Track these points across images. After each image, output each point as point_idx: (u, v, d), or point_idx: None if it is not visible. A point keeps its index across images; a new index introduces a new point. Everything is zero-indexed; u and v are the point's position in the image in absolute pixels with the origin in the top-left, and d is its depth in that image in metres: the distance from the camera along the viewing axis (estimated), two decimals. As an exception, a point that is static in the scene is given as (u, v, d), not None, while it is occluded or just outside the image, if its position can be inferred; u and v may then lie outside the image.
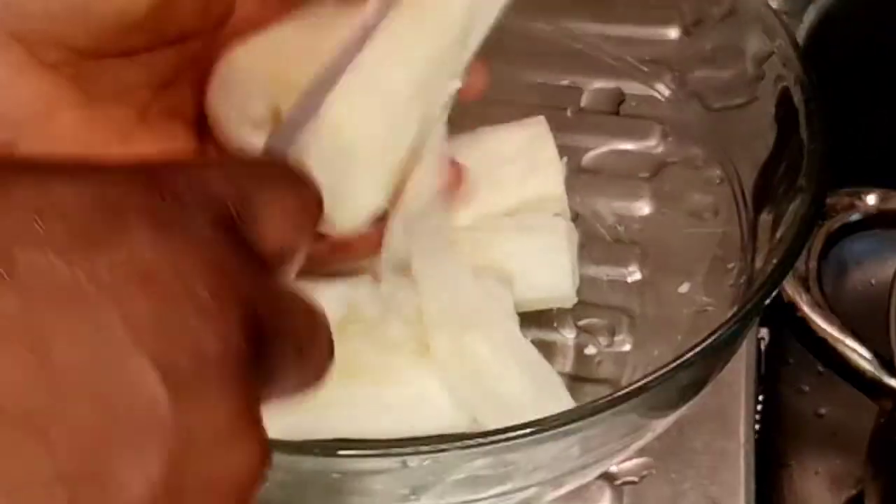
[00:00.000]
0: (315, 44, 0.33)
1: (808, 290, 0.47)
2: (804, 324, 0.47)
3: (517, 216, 0.48)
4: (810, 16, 0.59)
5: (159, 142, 0.33)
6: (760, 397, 0.55)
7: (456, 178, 0.38)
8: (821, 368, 0.58)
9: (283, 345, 0.23)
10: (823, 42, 0.58)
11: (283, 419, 0.40)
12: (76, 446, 0.19)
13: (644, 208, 0.53)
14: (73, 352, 0.19)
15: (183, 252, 0.21)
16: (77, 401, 0.19)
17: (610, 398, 0.34)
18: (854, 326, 0.47)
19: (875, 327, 0.46)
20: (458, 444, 0.33)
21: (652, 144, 0.53)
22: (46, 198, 0.20)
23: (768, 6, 0.46)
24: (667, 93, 0.52)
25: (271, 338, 0.22)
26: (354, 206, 0.33)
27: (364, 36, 0.32)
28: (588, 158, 0.54)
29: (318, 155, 0.31)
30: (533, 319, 0.48)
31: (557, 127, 0.50)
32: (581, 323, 0.50)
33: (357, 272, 0.44)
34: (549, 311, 0.49)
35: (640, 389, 0.34)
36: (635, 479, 0.47)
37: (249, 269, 0.23)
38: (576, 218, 0.51)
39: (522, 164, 0.48)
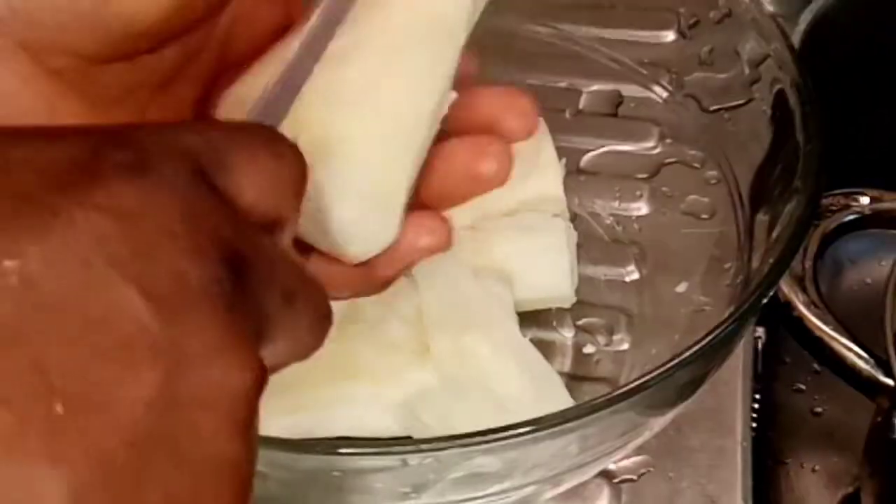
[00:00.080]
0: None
1: (804, 289, 0.47)
2: (800, 323, 0.47)
3: (516, 216, 0.48)
4: (806, 19, 0.59)
5: None
6: (757, 396, 0.56)
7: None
8: (817, 367, 0.58)
9: (271, 289, 0.23)
10: (819, 45, 0.58)
11: (283, 419, 0.41)
12: (68, 362, 0.19)
13: (642, 209, 0.53)
14: (56, 279, 0.19)
15: (157, 195, 0.21)
16: (64, 322, 0.19)
17: (608, 397, 0.34)
18: (850, 325, 0.47)
19: (870, 326, 0.46)
20: (458, 442, 0.33)
21: (649, 146, 0.53)
22: (17, 153, 0.21)
23: (764, 9, 0.46)
24: (664, 95, 0.52)
25: (256, 280, 0.22)
26: (369, 238, 0.33)
27: (326, 23, 0.32)
28: (586, 159, 0.54)
29: (330, 187, 0.31)
30: (532, 319, 0.48)
31: (556, 128, 0.50)
32: (580, 322, 0.50)
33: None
34: (548, 310, 0.49)
35: (638, 388, 0.34)
36: (633, 477, 0.47)
37: (226, 213, 0.23)
38: (574, 218, 0.51)
39: (521, 165, 0.48)
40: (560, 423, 0.33)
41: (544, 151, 0.49)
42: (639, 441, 0.40)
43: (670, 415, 0.40)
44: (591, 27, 0.53)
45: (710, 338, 0.36)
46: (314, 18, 0.32)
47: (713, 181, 0.49)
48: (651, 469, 0.47)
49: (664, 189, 0.52)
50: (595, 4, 0.53)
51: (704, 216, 0.50)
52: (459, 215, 0.47)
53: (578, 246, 0.50)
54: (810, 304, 0.47)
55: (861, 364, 0.46)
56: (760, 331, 0.58)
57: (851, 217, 0.50)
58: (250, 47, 0.34)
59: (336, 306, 0.42)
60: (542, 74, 0.54)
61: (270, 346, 0.23)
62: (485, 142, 0.35)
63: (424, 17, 0.33)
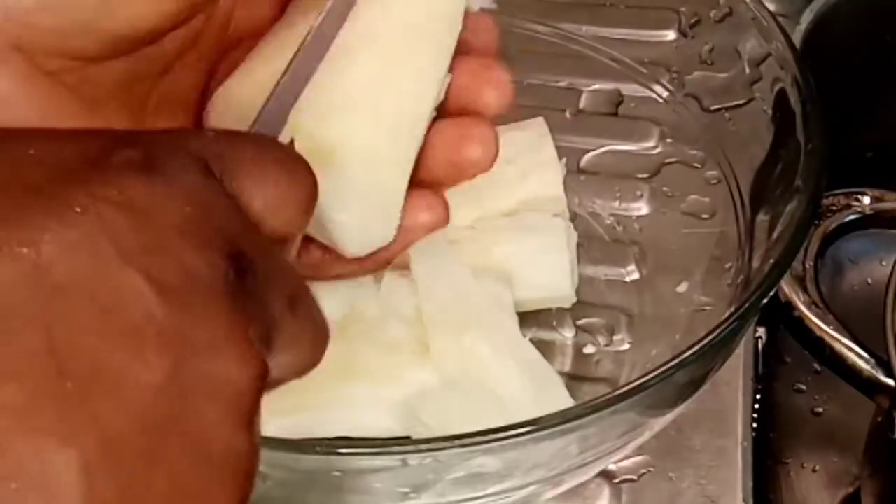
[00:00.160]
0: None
1: (804, 289, 0.47)
2: (801, 323, 0.47)
3: (516, 216, 0.48)
4: (807, 18, 0.59)
5: None
6: (758, 396, 0.56)
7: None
8: (818, 367, 0.58)
9: (276, 293, 0.24)
10: (820, 44, 0.58)
11: (283, 419, 0.41)
12: (79, 345, 0.19)
13: (642, 208, 0.53)
14: (67, 267, 0.20)
15: (165, 190, 0.22)
16: (76, 307, 0.20)
17: (608, 397, 0.34)
18: (850, 325, 0.47)
19: (871, 326, 0.46)
20: (458, 442, 0.33)
21: (650, 145, 0.53)
22: (29, 151, 0.22)
23: (765, 8, 0.46)
24: (665, 94, 0.52)
25: (262, 282, 0.23)
26: (369, 237, 0.33)
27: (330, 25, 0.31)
28: (587, 159, 0.54)
29: (330, 189, 0.31)
30: (532, 319, 0.48)
31: (556, 128, 0.50)
32: (580, 322, 0.50)
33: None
34: (548, 310, 0.49)
35: (639, 388, 0.34)
36: (634, 477, 0.47)
37: (234, 213, 0.23)
38: (574, 218, 0.51)
39: (522, 164, 0.49)
40: (560, 424, 0.33)
41: (544, 151, 0.49)
42: (639, 441, 0.40)
43: (671, 415, 0.40)
44: (592, 26, 0.53)
45: (710, 338, 0.36)
46: (318, 19, 0.31)
47: (714, 181, 0.49)
48: (651, 469, 0.47)
49: (665, 189, 0.52)
50: (595, 3, 0.53)
51: (705, 216, 0.50)
52: (459, 215, 0.47)
53: (578, 246, 0.50)
54: (811, 304, 0.47)
55: (861, 364, 0.46)
56: (761, 331, 0.58)
57: (852, 217, 0.49)
58: (251, 27, 0.33)
59: (336, 306, 0.43)
60: (542, 74, 0.54)
61: (275, 357, 0.23)
62: (468, 124, 0.34)
63: (424, 12, 0.33)
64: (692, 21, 0.50)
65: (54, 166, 0.21)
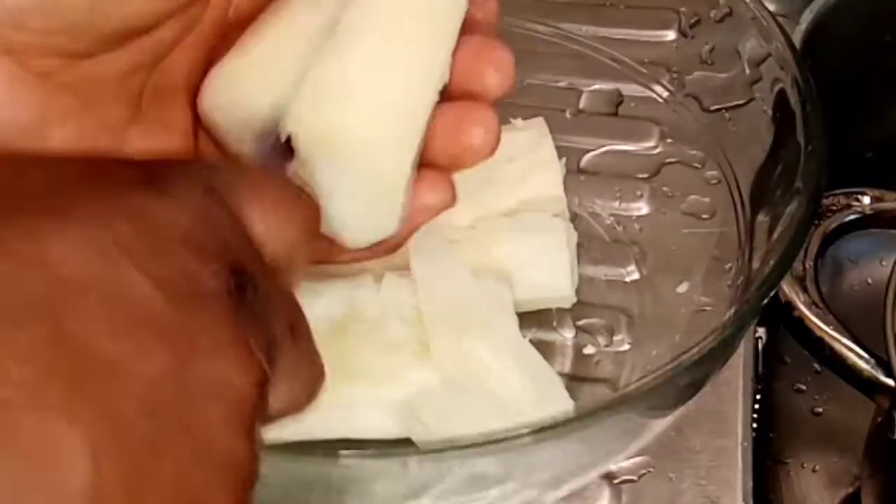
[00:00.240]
0: (311, 42, 0.31)
1: (805, 289, 0.47)
2: (801, 323, 0.47)
3: (516, 216, 0.48)
4: (807, 18, 0.59)
5: (154, 137, 0.31)
6: (758, 396, 0.56)
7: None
8: (818, 367, 0.58)
9: (277, 315, 0.24)
10: (820, 44, 0.58)
11: (283, 421, 0.41)
12: (87, 335, 0.20)
13: (642, 209, 0.53)
14: (76, 265, 0.21)
15: (169, 205, 0.22)
16: (84, 300, 0.20)
17: (609, 399, 0.34)
18: (850, 326, 0.47)
19: (871, 326, 0.46)
20: (458, 444, 0.33)
21: (650, 145, 0.53)
22: (32, 168, 0.23)
23: (765, 8, 0.46)
24: (665, 94, 0.52)
25: (263, 301, 0.23)
26: (373, 229, 0.32)
27: None
28: (587, 159, 0.54)
29: (332, 181, 0.31)
30: (532, 319, 0.48)
31: (556, 128, 0.50)
32: (580, 323, 0.50)
33: (357, 272, 0.44)
34: (549, 310, 0.49)
35: (639, 390, 0.34)
36: (634, 477, 0.47)
37: (236, 230, 0.24)
38: (574, 218, 0.51)
39: (522, 164, 0.49)
40: (561, 426, 0.33)
41: (544, 151, 0.49)
42: (640, 442, 0.40)
43: (671, 416, 0.40)
44: (592, 26, 0.53)
45: (711, 339, 0.36)
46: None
47: (714, 181, 0.49)
48: (651, 469, 0.47)
49: (665, 189, 0.52)
50: (595, 3, 0.53)
51: (705, 216, 0.50)
52: (459, 215, 0.47)
53: (578, 246, 0.50)
54: (811, 305, 0.47)
55: (861, 364, 0.46)
56: (761, 331, 0.58)
57: (852, 217, 0.49)
58: (252, 8, 0.33)
59: (336, 306, 0.43)
60: (542, 74, 0.54)
61: (275, 384, 0.24)
62: (469, 108, 0.33)
63: None
64: (692, 21, 0.50)
65: (62, 183, 0.22)
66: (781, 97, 0.44)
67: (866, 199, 0.50)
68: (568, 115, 0.55)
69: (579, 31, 0.53)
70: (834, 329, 0.47)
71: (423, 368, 0.41)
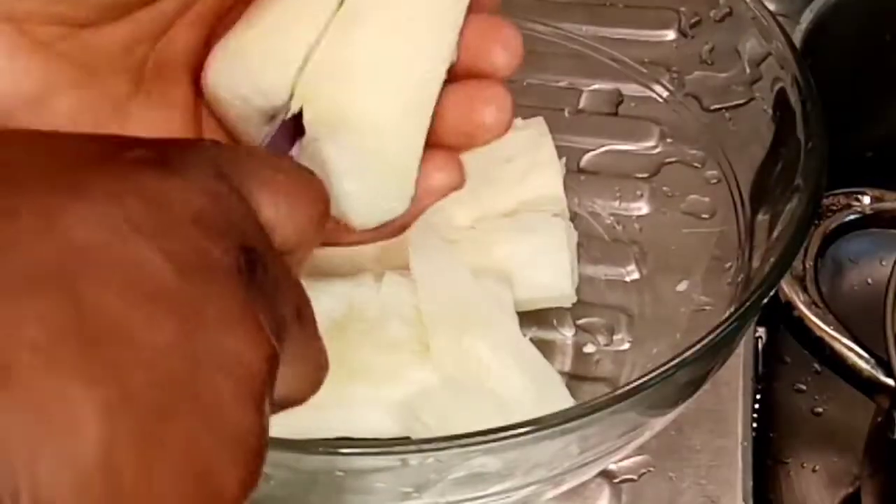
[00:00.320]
0: (317, 17, 0.31)
1: (804, 289, 0.47)
2: (801, 323, 0.47)
3: (516, 216, 0.48)
4: (807, 18, 0.59)
5: (156, 113, 0.31)
6: (758, 396, 0.56)
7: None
8: (818, 367, 0.58)
9: (284, 297, 0.24)
10: (820, 44, 0.58)
11: (283, 419, 0.41)
12: (99, 302, 0.20)
13: (642, 208, 0.53)
14: (89, 237, 0.21)
15: (179, 184, 0.22)
16: (97, 269, 0.20)
17: (609, 397, 0.34)
18: (850, 325, 0.47)
19: (871, 326, 0.46)
20: (459, 442, 0.33)
21: (650, 145, 0.53)
22: (42, 142, 0.23)
23: (765, 8, 0.46)
24: (665, 94, 0.52)
25: (271, 281, 0.23)
26: (382, 210, 0.32)
27: None
28: (587, 159, 0.54)
29: (341, 161, 0.30)
30: (532, 319, 0.48)
31: (556, 128, 0.50)
32: (580, 322, 0.50)
33: (357, 272, 0.44)
34: (548, 310, 0.49)
35: (639, 388, 0.34)
36: (634, 477, 0.47)
37: (245, 213, 0.24)
38: (574, 218, 0.51)
39: (521, 164, 0.49)
40: (561, 424, 0.33)
41: (544, 151, 0.49)
42: (639, 441, 0.40)
43: (671, 415, 0.40)
44: (592, 26, 0.53)
45: (711, 337, 0.36)
46: None
47: (714, 181, 0.49)
48: (651, 469, 0.47)
49: (665, 188, 0.52)
50: (595, 3, 0.53)
51: (705, 216, 0.50)
52: (459, 215, 0.47)
53: (578, 245, 0.50)
54: (811, 304, 0.47)
55: (861, 364, 0.46)
56: (761, 331, 0.58)
57: (852, 217, 0.49)
58: None
59: (336, 305, 0.43)
60: (542, 73, 0.54)
61: (283, 367, 0.23)
62: (481, 86, 0.32)
63: None
64: (692, 21, 0.50)
65: (75, 160, 0.22)
66: (781, 96, 0.44)
67: (866, 199, 0.50)
68: (568, 114, 0.54)
69: (579, 31, 0.53)
70: (834, 329, 0.47)
71: (423, 368, 0.41)
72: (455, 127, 0.32)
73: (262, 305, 0.22)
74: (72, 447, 0.19)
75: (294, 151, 0.31)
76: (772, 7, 0.48)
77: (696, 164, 0.51)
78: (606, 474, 0.47)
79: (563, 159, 0.51)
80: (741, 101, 0.47)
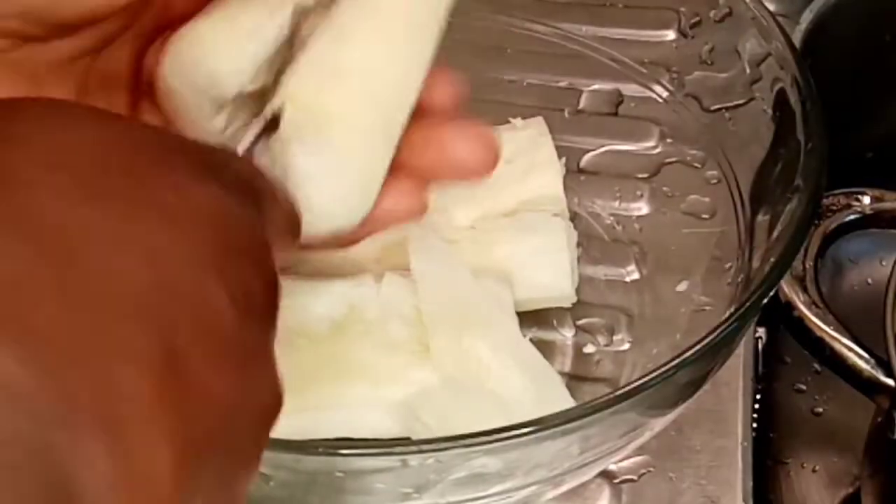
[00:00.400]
0: (273, 10, 0.31)
1: (804, 289, 0.47)
2: (801, 323, 0.47)
3: (516, 216, 0.48)
4: (807, 18, 0.59)
5: None
6: (758, 396, 0.56)
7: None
8: (818, 367, 0.58)
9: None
10: (820, 44, 0.58)
11: (283, 419, 0.41)
12: (186, 350, 0.21)
13: (642, 208, 0.53)
14: (174, 271, 0.21)
15: (240, 215, 0.23)
16: (181, 308, 0.21)
17: (609, 397, 0.34)
18: (850, 325, 0.47)
19: (871, 326, 0.46)
20: (459, 443, 0.33)
21: (650, 145, 0.53)
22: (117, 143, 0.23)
23: (765, 8, 0.46)
24: (665, 94, 0.52)
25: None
26: (343, 216, 0.32)
27: None
28: (587, 159, 0.54)
29: (310, 164, 0.30)
30: (532, 319, 0.48)
31: (556, 128, 0.50)
32: (580, 322, 0.50)
33: (357, 272, 0.44)
34: (548, 310, 0.49)
35: (639, 388, 0.34)
36: (634, 477, 0.47)
37: (265, 239, 0.25)
38: (574, 218, 0.51)
39: (521, 164, 0.49)
40: (561, 424, 0.33)
41: (544, 151, 0.49)
42: (640, 441, 0.40)
43: (671, 415, 0.40)
44: (592, 26, 0.53)
45: (711, 338, 0.36)
46: None
47: (714, 181, 0.49)
48: (652, 469, 0.47)
49: (665, 189, 0.52)
50: (595, 3, 0.53)
51: (705, 216, 0.50)
52: (459, 215, 0.47)
53: (578, 246, 0.50)
54: (811, 304, 0.47)
55: (861, 364, 0.46)
56: (761, 331, 0.58)
57: (852, 217, 0.49)
58: (188, 10, 0.32)
59: (336, 306, 0.43)
60: (542, 74, 0.54)
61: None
62: (469, 126, 0.33)
63: None
64: (692, 21, 0.50)
65: (135, 162, 0.23)
66: (781, 97, 0.44)
67: (866, 199, 0.49)
68: (567, 114, 0.54)
69: (579, 31, 0.53)
70: (834, 329, 0.47)
71: (423, 368, 0.41)
72: (441, 162, 0.33)
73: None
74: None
75: (257, 147, 0.31)
76: (772, 7, 0.48)
77: (696, 165, 0.51)
78: (606, 474, 0.47)
79: (563, 159, 0.51)
80: (741, 102, 0.47)
